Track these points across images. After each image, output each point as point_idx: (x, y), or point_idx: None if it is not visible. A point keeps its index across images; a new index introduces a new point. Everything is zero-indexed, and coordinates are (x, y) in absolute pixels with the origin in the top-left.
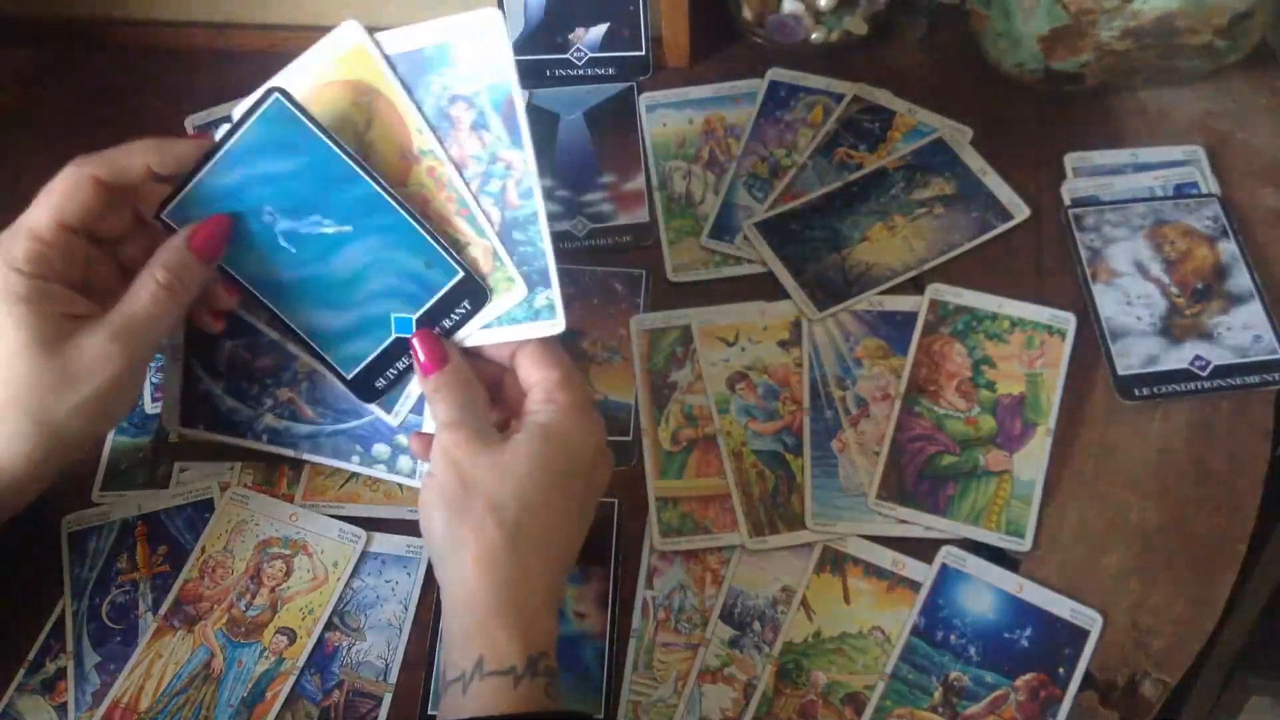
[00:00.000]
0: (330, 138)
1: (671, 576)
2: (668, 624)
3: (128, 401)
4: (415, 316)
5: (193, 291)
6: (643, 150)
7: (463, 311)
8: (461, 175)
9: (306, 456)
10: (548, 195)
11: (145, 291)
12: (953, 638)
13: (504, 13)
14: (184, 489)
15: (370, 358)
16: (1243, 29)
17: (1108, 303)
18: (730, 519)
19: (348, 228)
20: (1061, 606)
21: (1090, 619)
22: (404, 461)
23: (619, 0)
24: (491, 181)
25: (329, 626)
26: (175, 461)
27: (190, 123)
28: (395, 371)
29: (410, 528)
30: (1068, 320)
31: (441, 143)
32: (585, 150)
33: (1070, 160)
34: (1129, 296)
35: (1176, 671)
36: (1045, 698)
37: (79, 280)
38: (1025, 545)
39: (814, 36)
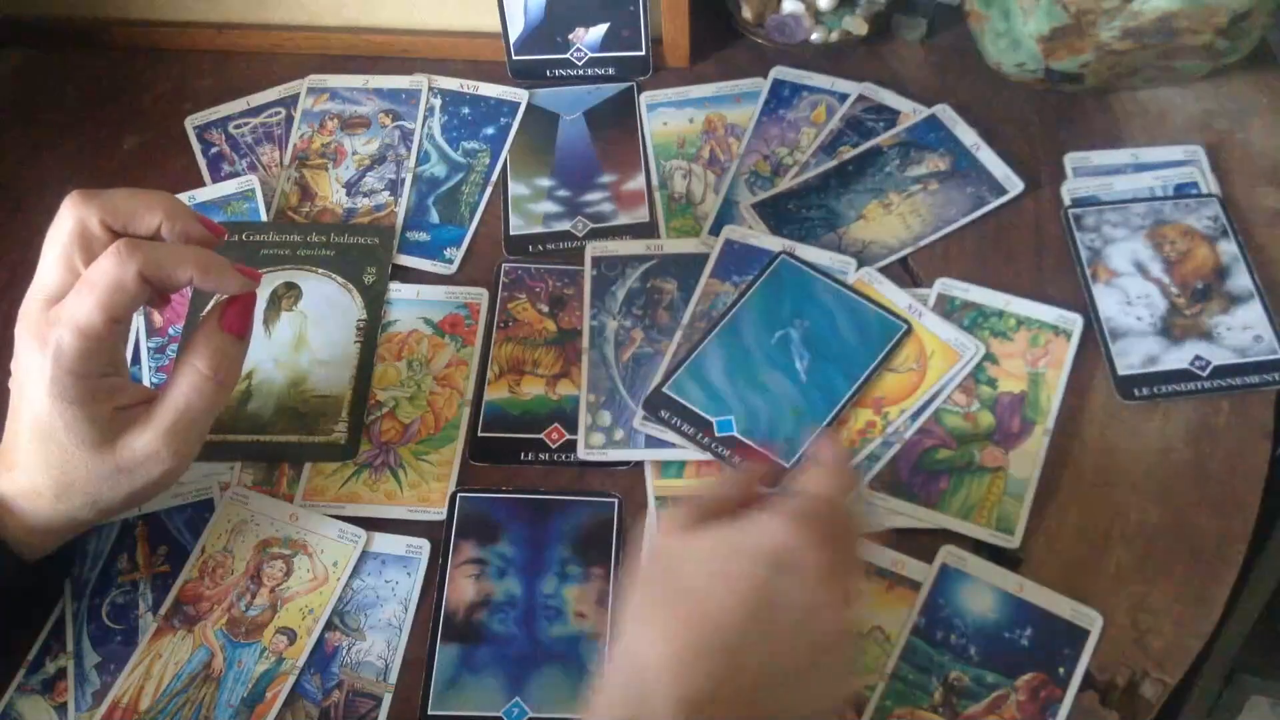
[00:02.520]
0: None
1: None
2: None
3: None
4: None
5: (236, 374)
6: (643, 150)
7: None
8: None
9: None
10: (548, 195)
11: (187, 384)
12: (953, 637)
13: (504, 13)
14: (184, 489)
15: None
16: (1243, 29)
17: (1108, 303)
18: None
19: None
20: (1061, 606)
21: (1090, 619)
22: None
23: (619, 0)
24: None
25: (329, 626)
26: None
27: (190, 123)
28: None
29: (409, 527)
30: (1074, 321)
31: None
32: (585, 150)
33: (1070, 160)
34: (1129, 296)
35: (1176, 671)
36: (1045, 698)
37: (121, 356)
38: (1014, 543)
39: (814, 36)
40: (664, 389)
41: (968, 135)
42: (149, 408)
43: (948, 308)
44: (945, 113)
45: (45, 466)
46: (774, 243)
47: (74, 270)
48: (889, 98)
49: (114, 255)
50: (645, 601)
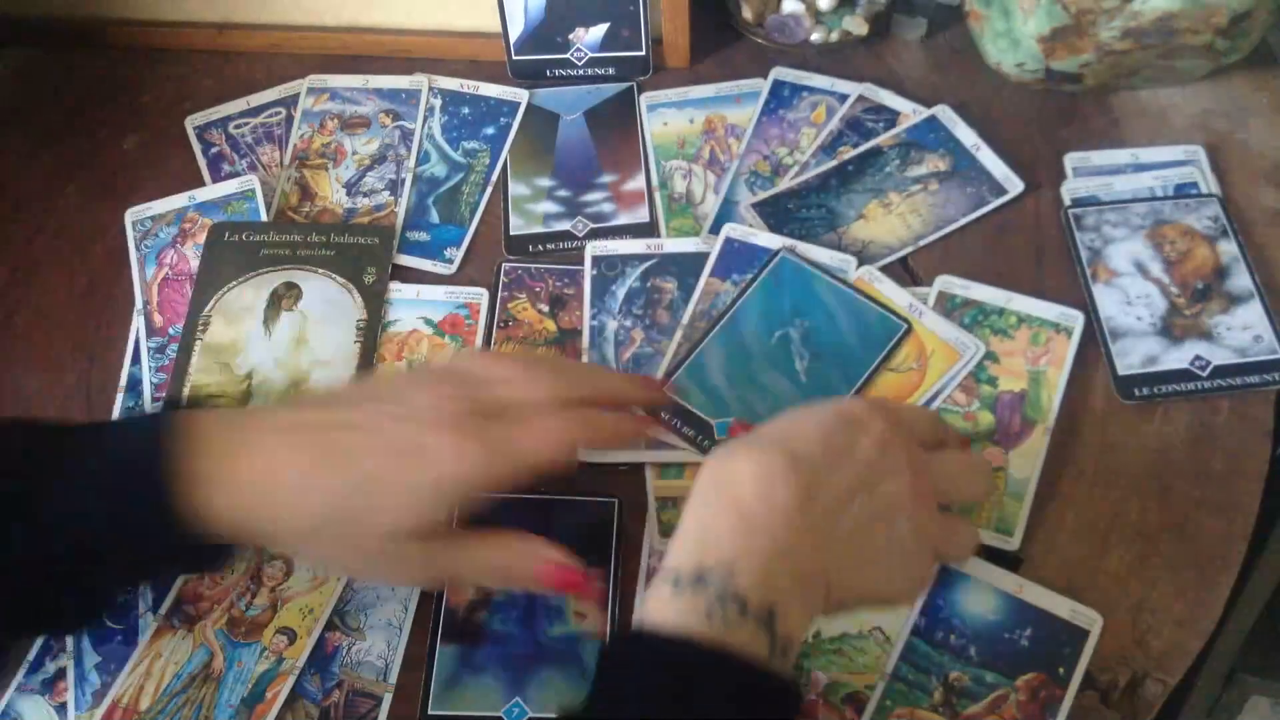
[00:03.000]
0: None
1: None
2: None
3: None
4: None
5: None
6: (643, 150)
7: None
8: None
9: None
10: (548, 195)
11: (490, 565)
12: (953, 638)
13: (504, 13)
14: None
15: None
16: (1243, 29)
17: (1108, 303)
18: None
19: None
20: (1061, 606)
21: (1090, 619)
22: None
23: (619, 0)
24: None
25: (329, 626)
26: None
27: (190, 123)
28: None
29: None
30: (1075, 319)
31: None
32: (585, 150)
33: (1070, 160)
34: (1129, 296)
35: (1176, 671)
36: (1045, 698)
37: None
38: (1014, 544)
39: (814, 36)
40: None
41: (968, 135)
42: (455, 537)
43: (948, 305)
44: (945, 113)
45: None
46: (774, 241)
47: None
48: (889, 98)
49: (574, 423)
50: (729, 448)
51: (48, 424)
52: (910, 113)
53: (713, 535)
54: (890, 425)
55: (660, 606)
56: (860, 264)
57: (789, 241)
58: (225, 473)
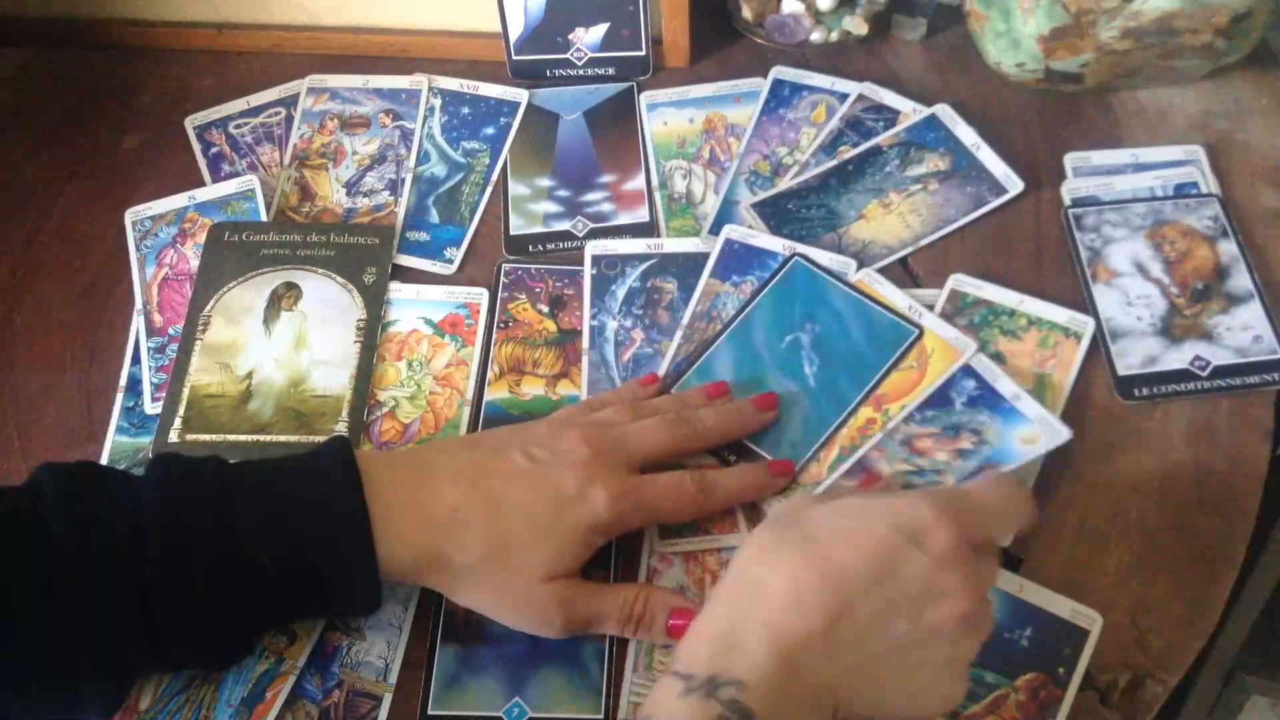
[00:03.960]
0: None
1: (671, 578)
2: None
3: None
4: None
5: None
6: (643, 149)
7: None
8: None
9: None
10: (548, 195)
11: (622, 613)
12: None
13: (504, 13)
14: None
15: None
16: (1243, 29)
17: (1108, 303)
18: (730, 520)
19: None
20: (1061, 606)
21: (1090, 619)
22: None
23: (619, 0)
24: None
25: (329, 626)
26: None
27: (190, 123)
28: None
29: None
30: (1085, 324)
31: None
32: (585, 150)
33: (1070, 160)
34: (1129, 296)
35: (1176, 671)
36: (1045, 698)
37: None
38: (1006, 541)
39: (814, 36)
40: (671, 391)
41: (968, 135)
42: (594, 584)
43: (960, 304)
44: (945, 112)
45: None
46: (774, 243)
47: None
48: (889, 97)
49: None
50: (767, 543)
51: (230, 466)
52: (910, 112)
53: (733, 644)
54: (955, 537)
55: (669, 706)
56: (860, 265)
57: (789, 243)
58: (407, 513)
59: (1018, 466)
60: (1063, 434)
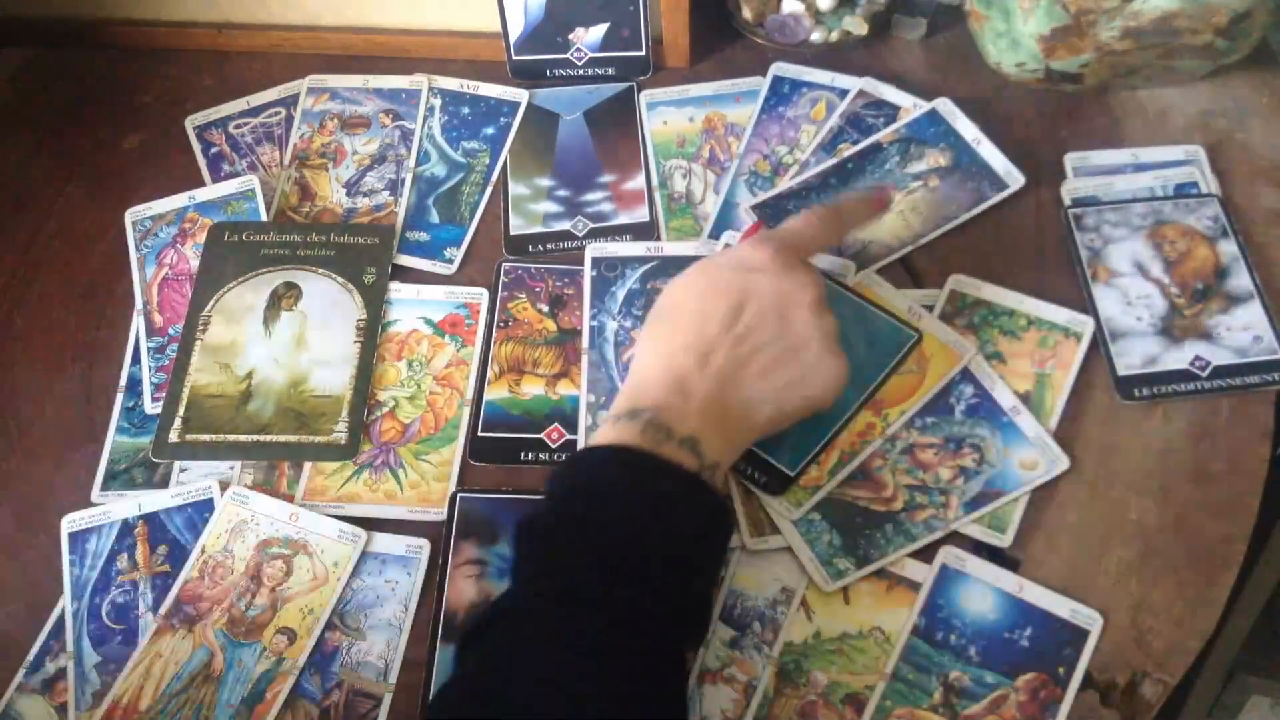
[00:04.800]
0: None
1: None
2: None
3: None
4: None
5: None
6: (643, 149)
7: None
8: None
9: None
10: (548, 195)
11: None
12: (953, 638)
13: (504, 13)
14: (184, 489)
15: None
16: (1243, 29)
17: (1108, 303)
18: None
19: None
20: (1061, 606)
21: (1090, 619)
22: None
23: (619, 0)
24: None
25: (329, 626)
26: (175, 461)
27: (190, 122)
28: None
29: (409, 528)
30: (1085, 324)
31: None
32: (585, 150)
33: (1070, 160)
34: (1129, 296)
35: (1176, 671)
36: (1045, 698)
37: None
38: (1005, 541)
39: (814, 36)
40: None
41: (968, 129)
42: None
43: (959, 304)
44: (946, 106)
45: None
46: None
47: None
48: (889, 92)
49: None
50: (646, 328)
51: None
52: (911, 106)
53: (643, 389)
54: (783, 253)
55: (600, 435)
56: (860, 266)
57: None
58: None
59: (1018, 493)
60: (1062, 463)
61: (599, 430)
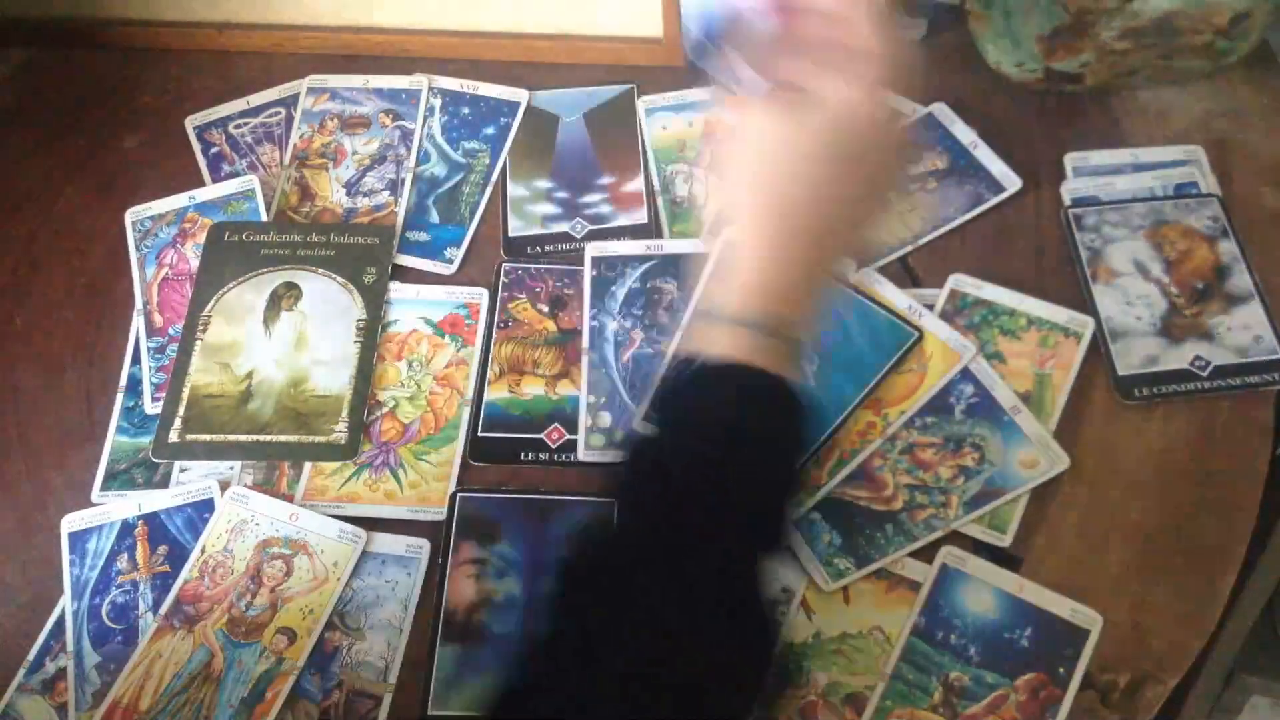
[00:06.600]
0: None
1: None
2: None
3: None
4: None
5: None
6: (642, 152)
7: None
8: None
9: None
10: (547, 197)
11: None
12: (953, 638)
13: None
14: (184, 489)
15: None
16: (1243, 29)
17: (1108, 303)
18: None
19: None
20: (1061, 606)
21: (1090, 619)
22: None
23: None
24: None
25: (329, 626)
26: (175, 461)
27: (190, 123)
28: None
29: (409, 527)
30: (1086, 324)
31: None
32: (585, 152)
33: (1070, 160)
34: (1129, 296)
35: (1176, 671)
36: (1045, 698)
37: None
38: (1005, 541)
39: None
40: None
41: (965, 133)
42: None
43: (960, 304)
44: (942, 111)
45: None
46: None
47: None
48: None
49: None
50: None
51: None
52: (909, 112)
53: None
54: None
55: (712, 334)
56: (859, 265)
57: None
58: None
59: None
60: (1062, 463)
61: (700, 335)
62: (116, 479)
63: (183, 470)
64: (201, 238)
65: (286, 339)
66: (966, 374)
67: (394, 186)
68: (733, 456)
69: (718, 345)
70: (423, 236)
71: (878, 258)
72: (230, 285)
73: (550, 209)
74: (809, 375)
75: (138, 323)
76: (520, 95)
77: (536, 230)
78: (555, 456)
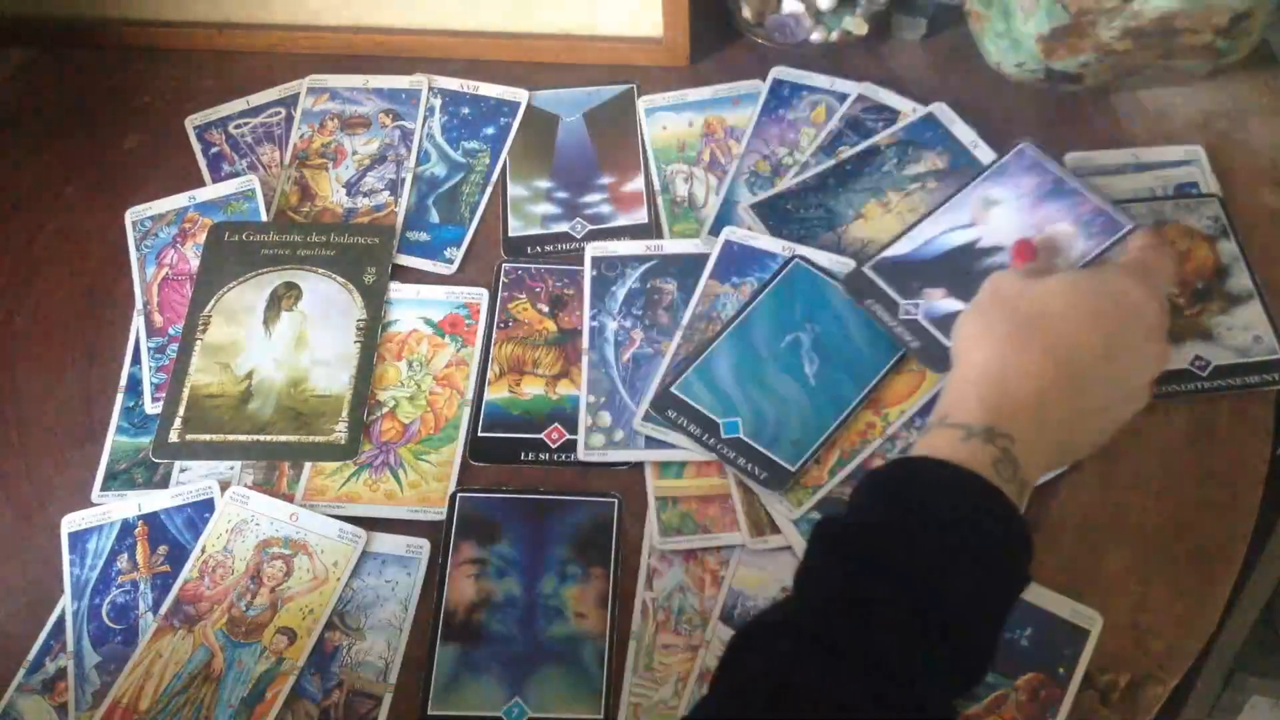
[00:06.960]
0: None
1: (671, 578)
2: (667, 625)
3: None
4: None
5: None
6: (642, 151)
7: None
8: None
9: None
10: (547, 197)
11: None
12: None
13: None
14: (184, 489)
15: None
16: (1243, 29)
17: None
18: (730, 519)
19: None
20: (1061, 606)
21: (1090, 619)
22: None
23: None
24: None
25: (329, 626)
26: (175, 461)
27: (190, 123)
28: None
29: (409, 527)
30: None
31: None
32: (585, 151)
33: (1070, 160)
34: None
35: (1176, 671)
36: (1045, 698)
37: None
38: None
39: (814, 36)
40: (672, 389)
41: (965, 133)
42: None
43: None
44: (943, 111)
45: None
46: (774, 244)
47: None
48: (888, 97)
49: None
50: (990, 329)
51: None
52: (910, 111)
53: (1002, 407)
54: (1162, 307)
55: (953, 447)
56: (859, 264)
57: (789, 245)
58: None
59: None
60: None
61: (934, 439)
62: (116, 479)
63: (183, 470)
64: (201, 238)
65: (286, 339)
66: None
67: (394, 186)
68: (961, 566)
69: (951, 452)
70: (423, 236)
71: (877, 257)
72: (230, 285)
73: (550, 209)
74: (810, 378)
75: (138, 322)
76: (520, 95)
77: (536, 230)
78: (555, 456)
